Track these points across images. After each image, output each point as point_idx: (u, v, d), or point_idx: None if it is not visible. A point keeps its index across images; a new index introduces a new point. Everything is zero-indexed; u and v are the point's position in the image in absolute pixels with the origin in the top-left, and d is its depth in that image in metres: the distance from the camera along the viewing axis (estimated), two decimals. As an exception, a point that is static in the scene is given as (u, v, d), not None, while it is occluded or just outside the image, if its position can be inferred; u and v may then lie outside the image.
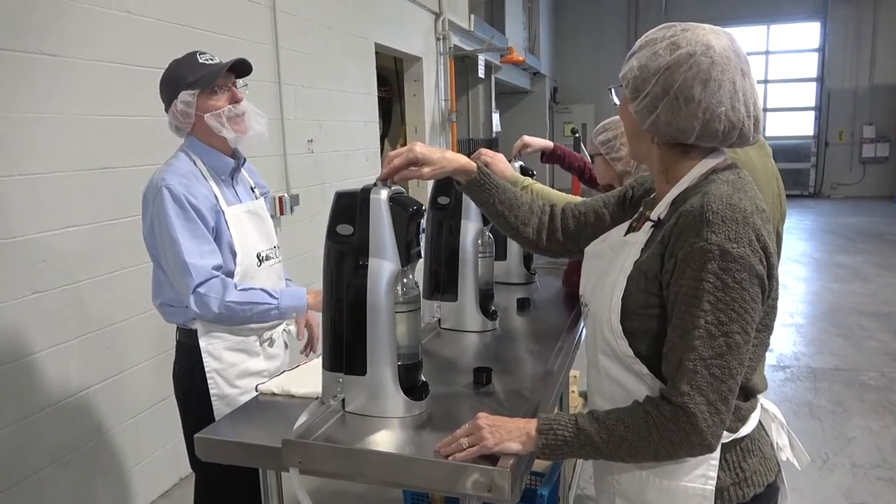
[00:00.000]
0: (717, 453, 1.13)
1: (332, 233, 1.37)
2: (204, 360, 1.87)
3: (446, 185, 1.92)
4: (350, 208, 1.36)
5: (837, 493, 2.97)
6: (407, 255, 1.37)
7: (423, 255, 1.86)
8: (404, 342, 1.40)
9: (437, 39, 6.92)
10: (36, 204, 2.40)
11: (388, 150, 6.86)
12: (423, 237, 1.87)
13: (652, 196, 1.30)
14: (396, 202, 1.36)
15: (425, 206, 1.58)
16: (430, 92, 6.83)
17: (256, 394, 1.59)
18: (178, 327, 1.95)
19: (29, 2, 2.35)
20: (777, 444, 1.26)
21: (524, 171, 2.33)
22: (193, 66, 1.85)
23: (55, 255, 2.47)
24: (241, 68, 1.90)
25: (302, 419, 1.32)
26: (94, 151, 2.64)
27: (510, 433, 1.16)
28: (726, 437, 1.14)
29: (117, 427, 2.79)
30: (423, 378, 1.46)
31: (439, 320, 2.01)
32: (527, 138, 2.77)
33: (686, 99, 1.09)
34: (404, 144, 6.76)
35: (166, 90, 1.88)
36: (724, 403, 1.06)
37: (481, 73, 8.31)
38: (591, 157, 2.35)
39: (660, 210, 1.18)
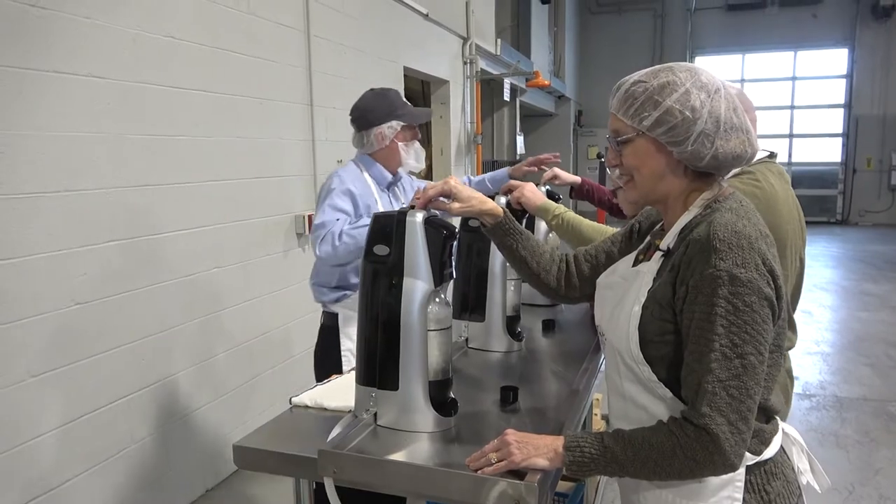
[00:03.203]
0: (741, 475, 1.16)
1: (368, 252, 1.43)
2: (341, 339, 2.34)
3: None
4: (387, 229, 1.42)
5: (863, 524, 2.95)
6: (440, 276, 1.43)
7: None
8: (435, 360, 1.45)
9: (465, 63, 7.03)
10: (77, 219, 2.50)
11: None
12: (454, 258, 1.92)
13: (658, 227, 1.35)
14: (431, 224, 1.42)
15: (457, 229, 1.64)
16: (457, 114, 6.92)
17: (290, 406, 1.65)
18: (323, 311, 2.41)
19: (73, 28, 2.48)
20: (798, 467, 1.28)
21: (551, 196, 2.38)
22: (401, 103, 2.40)
23: (96, 268, 2.57)
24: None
25: (336, 431, 1.37)
26: (134, 169, 2.74)
27: (538, 449, 1.20)
28: (750, 459, 1.17)
29: (155, 433, 2.87)
30: (452, 395, 1.51)
31: (466, 340, 2.06)
32: (557, 171, 2.80)
33: (732, 128, 1.16)
34: (430, 166, 6.83)
35: (373, 113, 2.35)
36: (745, 423, 1.09)
37: (507, 97, 8.40)
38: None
39: (668, 240, 1.23)
